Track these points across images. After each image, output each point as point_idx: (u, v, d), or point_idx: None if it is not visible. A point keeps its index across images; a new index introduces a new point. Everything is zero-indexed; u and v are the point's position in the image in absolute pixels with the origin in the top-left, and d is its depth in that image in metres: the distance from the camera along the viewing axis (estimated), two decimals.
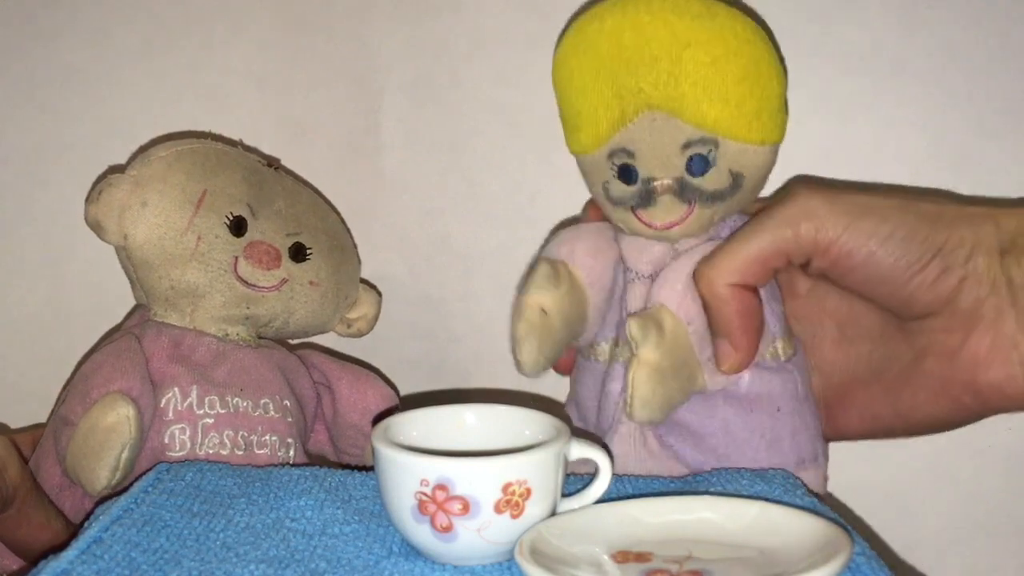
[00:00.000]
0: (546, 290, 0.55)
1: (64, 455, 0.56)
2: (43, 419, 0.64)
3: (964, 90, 0.64)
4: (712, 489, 0.52)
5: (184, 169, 0.60)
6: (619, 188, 0.56)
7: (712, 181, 0.54)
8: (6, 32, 0.71)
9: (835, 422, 0.57)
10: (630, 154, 0.55)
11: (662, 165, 0.54)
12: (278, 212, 0.64)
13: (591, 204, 0.62)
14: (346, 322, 0.67)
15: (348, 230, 0.70)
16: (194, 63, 0.73)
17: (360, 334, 0.68)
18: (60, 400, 0.60)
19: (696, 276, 0.54)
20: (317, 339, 0.70)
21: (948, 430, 0.54)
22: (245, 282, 0.61)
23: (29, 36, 0.71)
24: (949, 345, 0.51)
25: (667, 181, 0.54)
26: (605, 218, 0.59)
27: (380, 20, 0.74)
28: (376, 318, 0.68)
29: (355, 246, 0.69)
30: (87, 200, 0.60)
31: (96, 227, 0.60)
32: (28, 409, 0.68)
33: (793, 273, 0.58)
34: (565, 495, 0.47)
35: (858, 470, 0.62)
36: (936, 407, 0.52)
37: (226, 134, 0.69)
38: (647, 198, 0.55)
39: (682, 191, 0.54)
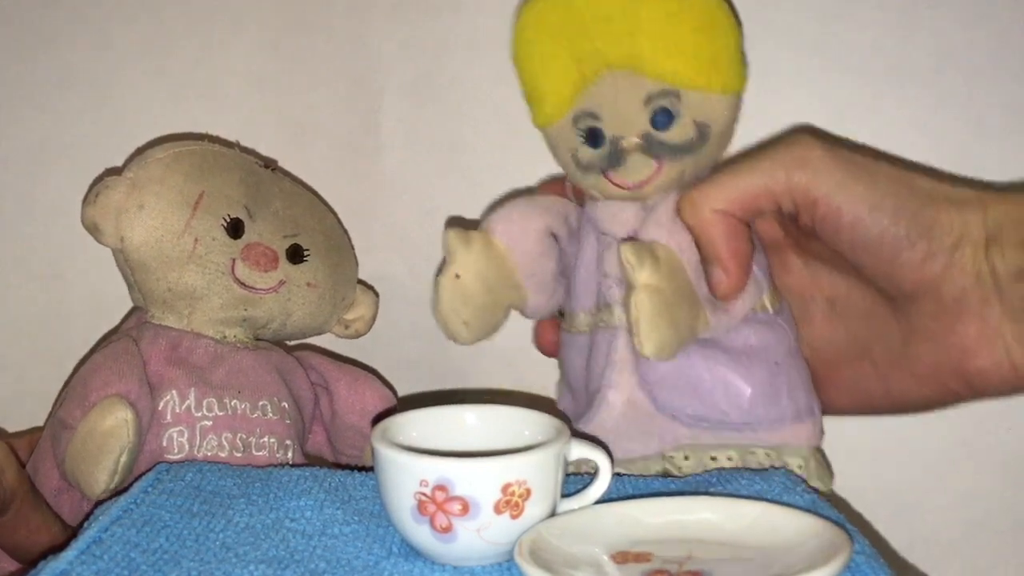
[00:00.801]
0: (456, 254, 0.57)
1: (63, 459, 0.56)
2: (41, 421, 0.63)
3: (963, 91, 0.64)
4: (712, 489, 0.51)
5: (181, 171, 0.60)
6: (587, 153, 0.56)
7: (678, 134, 0.54)
8: (6, 32, 0.71)
9: (824, 396, 0.57)
10: (595, 116, 0.55)
11: (627, 122, 0.54)
12: (275, 214, 0.64)
13: (543, 183, 0.63)
14: (344, 323, 0.67)
15: (346, 231, 0.70)
16: (194, 63, 0.73)
17: (358, 335, 0.68)
18: (58, 403, 0.60)
19: (681, 202, 0.54)
20: (315, 340, 0.70)
21: (936, 410, 0.55)
22: (243, 284, 0.61)
23: (29, 36, 0.71)
24: (937, 331, 0.51)
25: (634, 138, 0.54)
26: (561, 195, 0.60)
27: (380, 20, 0.74)
28: (374, 319, 0.68)
29: (352, 247, 0.69)
30: (84, 202, 0.60)
31: (93, 229, 0.59)
32: (26, 411, 0.67)
33: (785, 250, 0.58)
34: (565, 495, 0.47)
35: (858, 470, 0.62)
36: (925, 389, 0.53)
37: (225, 134, 0.69)
38: (616, 158, 0.55)
39: (649, 146, 0.54)
